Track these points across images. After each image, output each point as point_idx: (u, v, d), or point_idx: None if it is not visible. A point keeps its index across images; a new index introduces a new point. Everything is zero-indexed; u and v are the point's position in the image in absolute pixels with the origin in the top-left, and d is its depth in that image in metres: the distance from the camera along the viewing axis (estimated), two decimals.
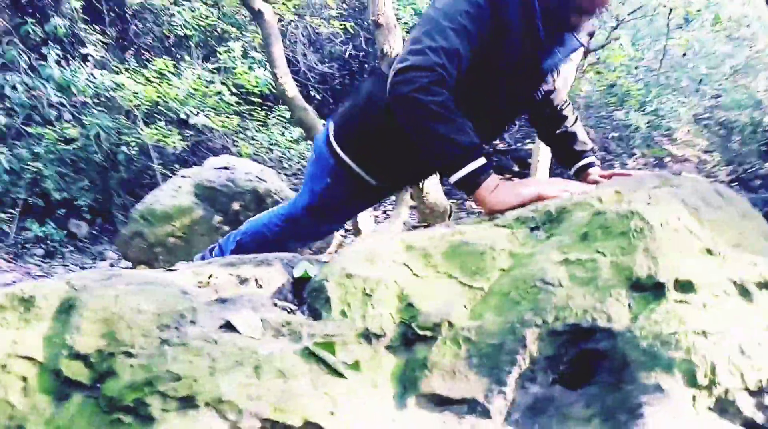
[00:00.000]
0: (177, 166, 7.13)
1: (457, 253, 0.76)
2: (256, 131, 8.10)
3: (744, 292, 0.66)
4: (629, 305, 0.64)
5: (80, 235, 6.82)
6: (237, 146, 7.46)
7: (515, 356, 0.63)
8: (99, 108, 6.73)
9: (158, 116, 7.24)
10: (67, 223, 6.81)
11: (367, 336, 0.69)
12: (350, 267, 0.75)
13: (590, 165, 1.85)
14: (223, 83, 7.80)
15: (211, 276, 0.85)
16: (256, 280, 0.85)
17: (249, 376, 0.61)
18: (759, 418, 0.61)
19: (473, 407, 0.64)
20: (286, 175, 8.34)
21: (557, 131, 1.97)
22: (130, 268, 6.17)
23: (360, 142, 1.76)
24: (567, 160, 1.93)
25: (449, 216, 4.28)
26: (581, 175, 1.84)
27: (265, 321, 0.69)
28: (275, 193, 4.95)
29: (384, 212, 4.35)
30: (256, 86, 7.56)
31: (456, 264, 0.75)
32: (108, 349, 0.62)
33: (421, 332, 0.68)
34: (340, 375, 0.64)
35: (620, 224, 0.70)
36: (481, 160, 1.33)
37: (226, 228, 6.39)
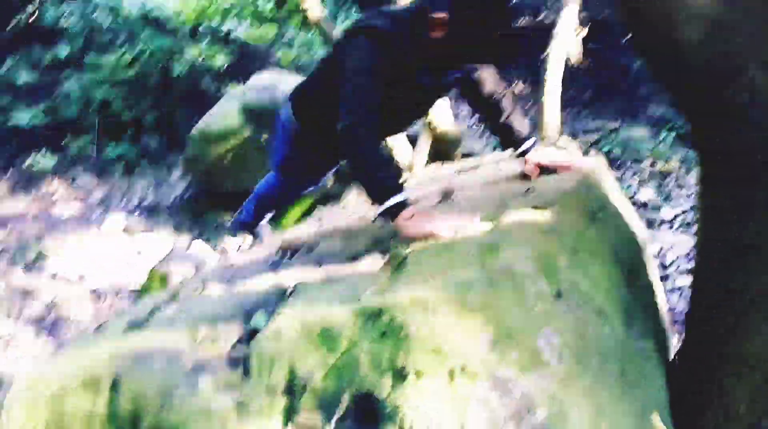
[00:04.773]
0: (226, 80, 7.61)
1: (324, 334, 1.35)
2: (295, 35, 8.29)
3: (451, 375, 1.20)
4: (392, 384, 1.21)
5: (152, 149, 7.60)
6: (278, 55, 7.75)
7: (336, 408, 1.23)
8: (147, 30, 7.18)
9: (203, 35, 7.63)
10: (139, 140, 7.59)
11: (270, 390, 1.31)
12: (263, 344, 1.37)
13: (527, 151, 2.25)
14: None
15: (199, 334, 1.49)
16: (220, 338, 1.48)
17: (204, 418, 1.26)
18: None
19: None
20: None
21: (496, 123, 2.34)
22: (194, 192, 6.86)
23: (313, 112, 2.33)
24: (507, 148, 2.34)
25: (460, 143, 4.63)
26: (522, 159, 2.27)
27: (216, 382, 1.33)
28: None
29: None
30: None
31: (322, 341, 1.34)
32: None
33: (295, 389, 1.29)
34: (248, 414, 1.27)
35: (398, 330, 1.26)
36: (400, 197, 1.84)
37: None
